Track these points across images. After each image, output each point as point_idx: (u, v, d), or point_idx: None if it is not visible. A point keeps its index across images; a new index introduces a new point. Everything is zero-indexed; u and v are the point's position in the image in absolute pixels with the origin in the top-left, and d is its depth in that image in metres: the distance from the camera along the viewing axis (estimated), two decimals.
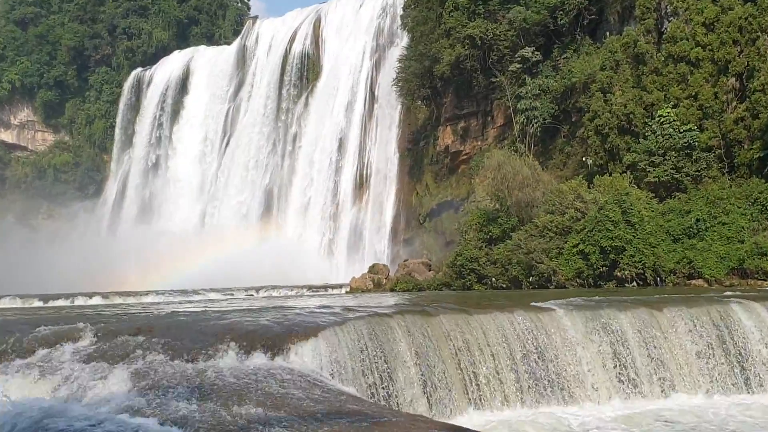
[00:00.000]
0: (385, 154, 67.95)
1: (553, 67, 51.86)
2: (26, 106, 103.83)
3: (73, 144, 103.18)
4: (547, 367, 19.48)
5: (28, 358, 16.88)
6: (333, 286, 49.97)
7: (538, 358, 19.56)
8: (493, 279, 39.10)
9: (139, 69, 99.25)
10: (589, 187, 38.76)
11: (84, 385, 15.34)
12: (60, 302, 44.95)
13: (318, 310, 22.18)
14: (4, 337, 18.06)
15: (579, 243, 35.72)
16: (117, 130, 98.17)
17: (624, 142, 41.16)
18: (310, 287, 49.85)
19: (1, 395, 15.07)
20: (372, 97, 70.58)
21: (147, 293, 48.26)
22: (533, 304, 22.08)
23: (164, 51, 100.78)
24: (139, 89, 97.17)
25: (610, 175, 39.57)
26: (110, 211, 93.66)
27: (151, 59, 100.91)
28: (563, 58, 51.47)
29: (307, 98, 77.34)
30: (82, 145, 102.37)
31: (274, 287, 50.15)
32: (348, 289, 46.83)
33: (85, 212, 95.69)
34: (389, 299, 31.89)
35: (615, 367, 20.06)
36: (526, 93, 50.80)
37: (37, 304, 44.34)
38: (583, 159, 44.92)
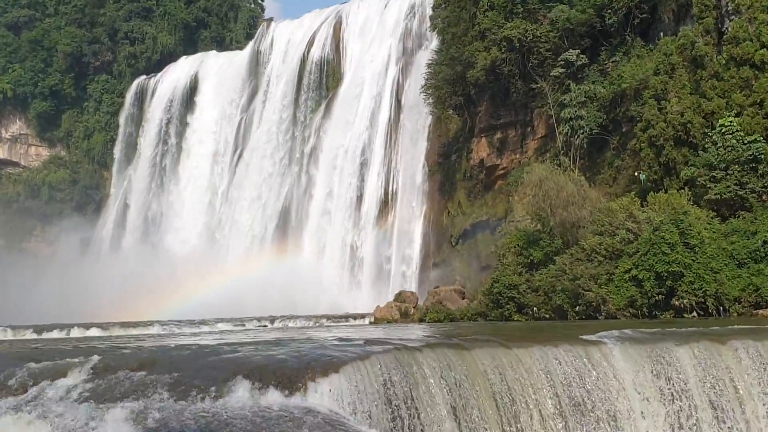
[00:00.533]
0: (413, 170, 67.93)
1: (600, 72, 51.62)
2: (19, 118, 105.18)
3: (70, 159, 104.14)
4: (597, 409, 19.24)
5: (19, 397, 16.94)
6: (355, 316, 49.91)
7: (587, 399, 19.32)
8: (535, 308, 38.82)
9: (143, 77, 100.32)
10: (642, 206, 38.43)
11: (79, 428, 15.37)
12: (55, 334, 45.29)
13: (339, 343, 22.12)
14: None
15: (631, 268, 35.36)
16: (118, 144, 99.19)
17: (681, 155, 40.79)
18: (329, 317, 49.84)
19: None
20: (398, 106, 70.75)
21: (150, 324, 48.49)
22: (581, 337, 21.87)
23: (170, 57, 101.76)
24: (142, 99, 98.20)
25: (666, 191, 39.20)
26: (111, 233, 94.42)
27: (155, 66, 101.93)
28: (612, 62, 51.22)
29: (326, 108, 77.69)
30: (80, 160, 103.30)
31: (289, 317, 50.23)
32: (372, 320, 46.73)
33: (83, 235, 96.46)
34: (418, 331, 31.75)
35: (673, 408, 19.76)
36: (571, 100, 50.60)
37: (30, 335, 44.70)
38: (636, 174, 44.54)
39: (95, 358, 19.27)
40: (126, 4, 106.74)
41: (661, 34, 48.11)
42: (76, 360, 18.77)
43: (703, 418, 19.80)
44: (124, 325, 48.97)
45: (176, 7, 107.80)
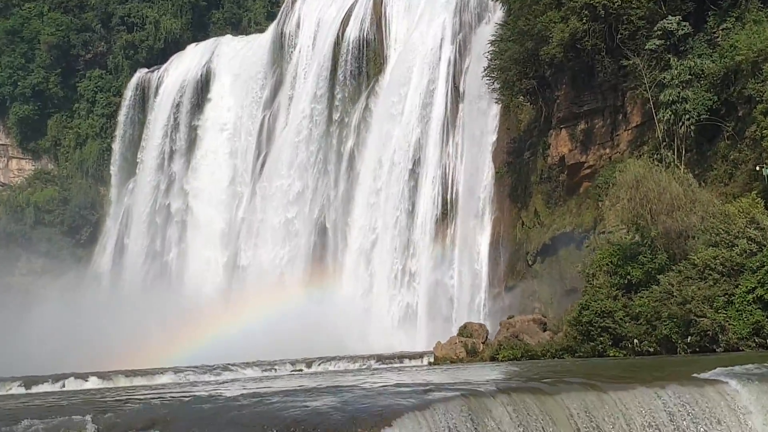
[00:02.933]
0: (477, 172, 67.85)
1: (708, 43, 51.17)
2: None
3: (59, 174, 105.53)
4: None
5: None
6: (411, 356, 50.03)
7: None
8: (636, 341, 38.64)
9: (144, 71, 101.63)
10: (767, 208, 37.99)
11: None
12: (46, 387, 45.97)
13: (391, 390, 22.21)
14: None
15: (756, 287, 35.01)
16: (116, 154, 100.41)
17: None
18: (379, 358, 49.95)
19: None
20: (456, 95, 70.78)
21: (162, 372, 49.02)
22: (694, 375, 21.69)
23: (176, 45, 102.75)
24: (144, 97, 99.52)
25: None
26: (111, 261, 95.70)
27: (158, 57, 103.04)
28: (722, 30, 50.76)
29: (367, 100, 78.04)
30: (71, 174, 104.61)
31: (330, 359, 50.45)
32: (432, 360, 46.82)
33: (78, 264, 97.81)
34: (489, 372, 31.75)
35: None
36: (672, 79, 50.23)
37: (17, 390, 45.38)
38: (757, 168, 44.04)
39: (95, 417, 19.54)
40: None
41: None
42: (74, 419, 19.06)
43: None
44: (130, 373, 49.54)
45: None
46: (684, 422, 19.52)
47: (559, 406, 19.29)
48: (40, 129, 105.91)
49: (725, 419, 19.72)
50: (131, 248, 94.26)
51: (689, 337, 36.68)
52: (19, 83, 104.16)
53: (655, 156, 48.77)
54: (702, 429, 19.46)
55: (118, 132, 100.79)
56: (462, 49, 71.95)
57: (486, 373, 30.79)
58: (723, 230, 37.75)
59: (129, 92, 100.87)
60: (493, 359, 43.89)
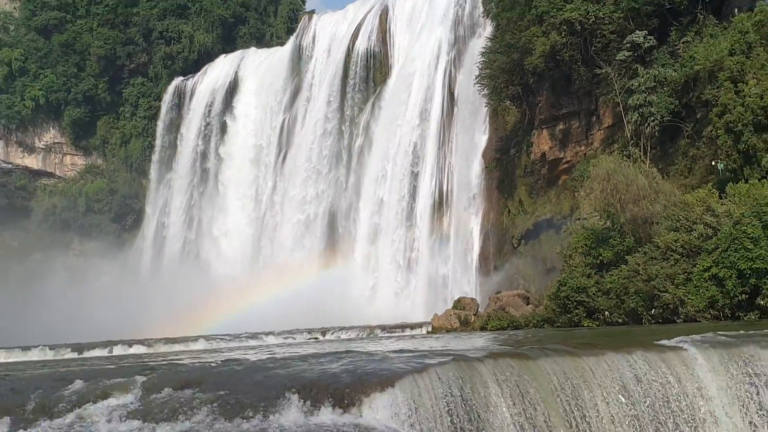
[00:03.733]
0: (469, 167, 67.77)
1: (670, 54, 51.05)
2: (52, 126, 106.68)
3: (107, 168, 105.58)
4: (677, 420, 19.05)
5: (58, 419, 17.28)
6: (411, 326, 50.03)
7: (666, 410, 19.14)
8: (606, 313, 38.64)
9: (180, 78, 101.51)
10: (720, 198, 37.91)
11: None
12: (96, 352, 46.14)
13: (394, 355, 22.19)
14: (33, 393, 18.58)
15: (711, 266, 34.93)
16: (157, 150, 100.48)
17: (762, 141, 40.11)
18: (384, 327, 49.99)
19: None
20: (451, 99, 70.64)
21: (196, 339, 49.15)
22: (658, 342, 21.67)
23: (208, 56, 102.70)
24: (180, 102, 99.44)
25: (747, 181, 38.55)
26: (152, 244, 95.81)
27: (193, 66, 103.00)
28: (683, 43, 50.62)
29: (374, 104, 77.95)
30: (117, 168, 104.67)
31: (342, 328, 50.50)
32: (429, 329, 46.84)
33: (123, 247, 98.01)
34: (479, 340, 31.76)
35: (762, 418, 19.48)
36: (639, 86, 50.11)
37: (70, 355, 45.60)
38: (713, 163, 43.95)
39: (139, 377, 19.61)
40: (160, 2, 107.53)
41: (736, 10, 47.39)
42: (120, 380, 19.11)
43: None
44: (168, 341, 49.70)
45: (213, 3, 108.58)
46: (648, 383, 19.51)
47: (539, 370, 19.29)
48: (90, 129, 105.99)
49: (684, 380, 19.71)
50: (169, 233, 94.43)
51: (653, 310, 36.67)
52: (72, 89, 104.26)
53: (624, 153, 48.78)
54: (664, 389, 19.45)
55: (158, 132, 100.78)
56: (456, 60, 71.80)
57: (476, 341, 30.82)
58: (683, 217, 37.68)
59: (167, 97, 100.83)
60: (482, 329, 43.90)
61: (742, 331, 24.31)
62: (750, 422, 19.45)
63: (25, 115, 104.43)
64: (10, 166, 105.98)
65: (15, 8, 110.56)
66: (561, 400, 18.66)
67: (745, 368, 20.17)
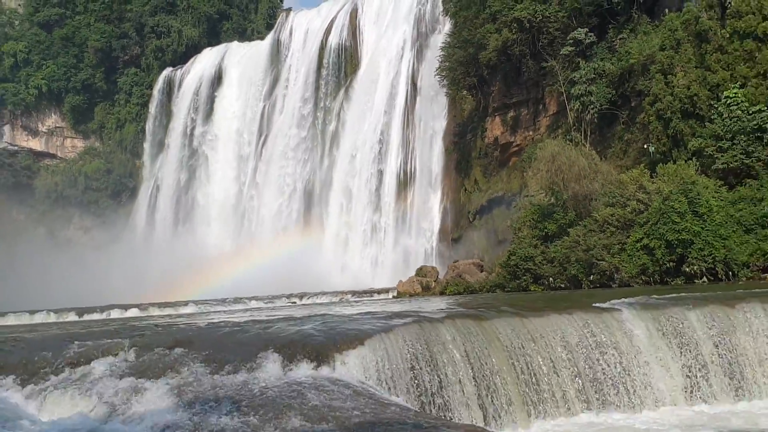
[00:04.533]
0: (430, 150, 67.79)
1: (608, 49, 51.26)
2: (54, 111, 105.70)
3: (104, 150, 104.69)
4: (612, 372, 19.30)
5: (63, 376, 17.22)
6: (379, 291, 50.17)
7: (602, 362, 19.38)
8: (551, 279, 38.91)
9: (170, 69, 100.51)
10: (651, 177, 38.30)
11: (121, 403, 15.62)
12: (95, 316, 45.90)
13: (364, 317, 22.26)
14: (39, 353, 18.48)
15: (643, 237, 35.32)
16: (148, 134, 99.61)
17: (688, 127, 40.54)
18: (354, 293, 50.08)
19: (37, 415, 15.43)
20: (414, 89, 70.49)
21: (185, 304, 48.97)
22: (595, 305, 21.89)
23: (195, 49, 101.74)
24: (170, 90, 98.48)
25: (674, 162, 38.99)
26: (144, 219, 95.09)
27: (181, 58, 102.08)
28: (619, 39, 50.84)
29: (345, 93, 77.58)
30: (113, 150, 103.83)
31: (317, 294, 50.52)
32: (395, 294, 46.97)
33: (118, 221, 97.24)
34: (439, 303, 31.88)
35: (684, 369, 19.79)
36: (581, 78, 50.31)
37: (72, 318, 45.32)
38: (645, 146, 44.32)
39: (134, 338, 19.55)
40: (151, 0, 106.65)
41: (666, 10, 47.63)
42: (117, 340, 19.06)
43: (711, 367, 19.85)
44: (161, 305, 49.49)
45: (199, 1, 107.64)
46: (586, 339, 19.74)
47: (492, 329, 19.44)
48: (88, 115, 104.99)
49: (617, 337, 19.96)
50: (160, 208, 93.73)
51: (591, 276, 37.04)
52: (71, 79, 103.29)
53: (567, 137, 49.03)
54: (599, 345, 19.69)
55: (150, 117, 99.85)
56: (419, 54, 71.53)
57: (436, 304, 30.96)
58: (618, 194, 38.04)
59: (158, 86, 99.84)
60: (442, 294, 44.10)
61: (669, 295, 24.62)
62: (672, 371, 19.78)
63: (29, 101, 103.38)
64: (16, 148, 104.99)
65: (19, 5, 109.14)
66: (510, 354, 18.85)
67: (671, 327, 20.48)
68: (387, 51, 74.48)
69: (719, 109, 38.61)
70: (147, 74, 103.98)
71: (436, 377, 17.49)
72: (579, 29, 51.84)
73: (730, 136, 37.81)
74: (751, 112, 37.63)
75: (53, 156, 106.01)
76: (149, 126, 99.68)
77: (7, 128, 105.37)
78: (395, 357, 17.49)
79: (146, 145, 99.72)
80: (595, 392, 18.92)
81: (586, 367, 19.23)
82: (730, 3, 41.54)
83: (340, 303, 43.30)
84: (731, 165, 37.62)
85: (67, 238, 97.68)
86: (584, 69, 50.43)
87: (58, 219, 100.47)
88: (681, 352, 19.99)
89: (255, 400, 15.05)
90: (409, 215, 67.43)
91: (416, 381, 17.25)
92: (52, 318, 46.11)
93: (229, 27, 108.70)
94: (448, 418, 16.70)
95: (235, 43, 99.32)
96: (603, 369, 19.29)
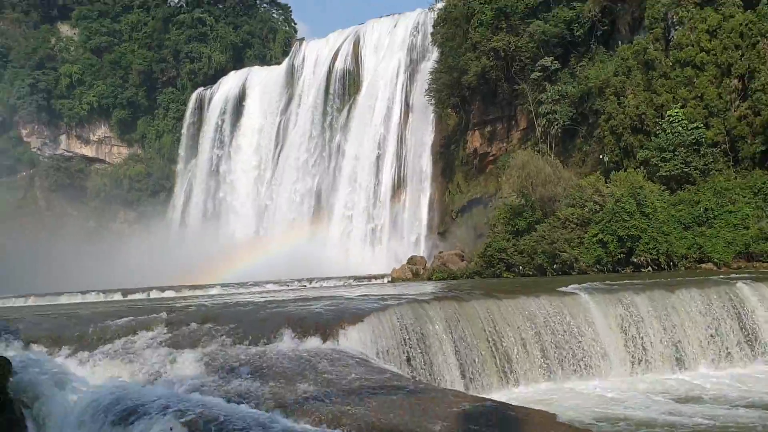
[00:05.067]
0: (420, 158, 67.75)
1: (570, 75, 51.29)
2: (103, 124, 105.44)
3: (144, 156, 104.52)
4: (571, 345, 19.38)
5: (110, 345, 17.25)
6: (376, 276, 50.09)
7: (563, 337, 19.46)
8: (521, 267, 38.93)
9: (201, 88, 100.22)
10: (606, 182, 38.34)
11: (159, 368, 15.65)
12: (137, 296, 45.87)
13: (363, 298, 22.30)
14: (89, 326, 18.50)
15: (598, 233, 35.37)
16: (182, 143, 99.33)
17: (637, 141, 40.61)
18: (355, 278, 50.00)
19: (87, 379, 15.44)
20: (407, 107, 70.40)
21: (213, 286, 48.86)
22: (557, 289, 21.97)
23: (222, 72, 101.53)
24: (201, 107, 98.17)
25: (625, 170, 39.03)
26: (179, 215, 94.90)
27: (211, 79, 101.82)
28: (580, 66, 50.86)
29: (349, 110, 77.47)
30: (152, 157, 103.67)
31: (324, 278, 50.40)
32: (389, 279, 46.91)
33: (156, 216, 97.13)
34: (426, 287, 32.00)
35: (632, 343, 19.88)
36: (547, 98, 50.35)
37: (117, 297, 45.29)
38: (600, 157, 44.38)
39: (171, 315, 19.57)
40: (186, 30, 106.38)
41: (619, 42, 47.69)
42: (156, 316, 19.09)
43: (654, 342, 19.98)
44: (192, 287, 49.42)
45: (226, 32, 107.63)
46: (550, 318, 19.81)
47: (470, 308, 19.50)
48: (132, 126, 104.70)
49: (576, 316, 20.04)
50: (192, 206, 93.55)
51: (555, 265, 37.06)
52: (118, 96, 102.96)
53: (535, 148, 48.98)
54: (561, 322, 19.76)
55: (184, 129, 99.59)
56: (411, 77, 71.42)
57: (424, 288, 31.05)
58: (578, 196, 38.06)
59: (191, 103, 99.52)
60: (429, 279, 44.05)
61: (619, 282, 24.73)
62: (622, 346, 19.88)
63: (82, 115, 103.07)
64: (71, 154, 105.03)
65: (75, 33, 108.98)
66: (485, 329, 18.91)
67: (621, 308, 20.56)
68: (384, 75, 74.38)
69: (663, 125, 38.67)
70: (182, 93, 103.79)
71: (424, 349, 17.53)
72: (546, 58, 51.86)
73: (672, 148, 37.87)
74: (689, 128, 37.70)
75: (102, 161, 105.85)
76: (183, 137, 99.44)
77: (63, 137, 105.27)
78: (390, 332, 17.54)
79: (181, 152, 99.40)
80: (558, 363, 18.99)
81: (549, 341, 19.31)
82: (673, 37, 41.64)
83: (343, 286, 43.36)
84: (673, 173, 37.69)
85: (111, 230, 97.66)
86: (550, 91, 50.46)
87: (106, 214, 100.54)
88: (629, 330, 20.07)
89: (272, 368, 15.09)
90: (401, 213, 67.43)
91: (407, 352, 17.30)
92: (101, 297, 46.04)
93: (252, 54, 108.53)
94: (434, 384, 16.75)
95: (256, 67, 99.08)
96: (563, 343, 19.36)
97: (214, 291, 46.03)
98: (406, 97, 70.90)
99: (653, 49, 41.69)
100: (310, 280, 49.75)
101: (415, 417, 11.87)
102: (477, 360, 17.92)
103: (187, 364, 15.54)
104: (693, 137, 37.46)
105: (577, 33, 50.88)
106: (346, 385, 13.71)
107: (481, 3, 56.04)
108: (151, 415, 12.10)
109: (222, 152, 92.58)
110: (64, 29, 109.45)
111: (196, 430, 11.45)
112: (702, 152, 37.64)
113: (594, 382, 18.57)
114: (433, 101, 63.18)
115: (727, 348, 20.10)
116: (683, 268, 33.41)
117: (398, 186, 68.35)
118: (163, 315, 19.06)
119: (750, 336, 20.33)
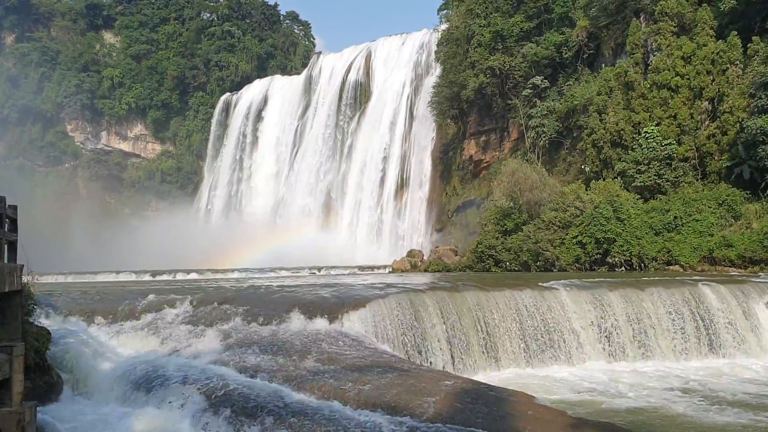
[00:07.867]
0: (421, 162, 67.74)
1: (558, 93, 51.21)
2: (140, 122, 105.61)
3: (176, 153, 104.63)
4: (550, 334, 19.36)
5: (139, 320, 17.28)
6: (378, 267, 50.18)
7: (543, 327, 19.45)
8: (507, 263, 38.94)
9: (228, 94, 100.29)
10: (586, 190, 38.31)
11: (182, 343, 15.69)
12: (165, 277, 45.96)
13: (366, 286, 22.31)
14: (121, 302, 18.53)
15: (578, 235, 35.37)
16: (210, 142, 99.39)
17: (616, 154, 40.53)
18: (360, 267, 50.04)
19: (117, 349, 15.48)
20: (411, 117, 70.36)
21: (232, 270, 48.96)
22: (540, 284, 21.95)
23: (247, 80, 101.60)
24: (227, 110, 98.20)
25: (604, 180, 39.00)
26: (204, 205, 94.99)
27: (237, 86, 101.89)
28: (567, 85, 50.79)
29: (359, 118, 77.44)
30: (183, 153, 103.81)
31: (332, 267, 50.44)
32: (390, 270, 46.94)
33: (185, 206, 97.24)
34: (423, 278, 32.02)
35: (605, 335, 19.86)
36: (536, 113, 50.30)
37: (147, 278, 45.35)
38: (582, 167, 44.30)
39: (194, 295, 19.58)
40: (216, 41, 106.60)
41: (603, 65, 47.56)
42: (181, 296, 19.11)
43: (625, 334, 19.94)
44: (214, 271, 49.50)
45: (252, 44, 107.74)
46: (532, 310, 19.79)
47: (462, 298, 19.49)
48: (165, 125, 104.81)
49: (556, 309, 20.02)
50: (217, 197, 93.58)
51: (538, 263, 37.05)
52: (153, 98, 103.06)
53: (524, 158, 49.02)
54: (542, 315, 19.74)
55: (212, 130, 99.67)
56: (416, 90, 71.36)
57: (421, 278, 31.07)
58: (560, 202, 38.03)
59: (218, 107, 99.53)
60: (426, 271, 44.09)
61: (595, 279, 24.69)
62: (596, 336, 19.86)
63: (121, 114, 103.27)
64: (110, 148, 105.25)
65: (117, 41, 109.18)
66: (474, 317, 18.90)
67: (596, 302, 20.54)
68: (392, 87, 74.29)
69: (639, 141, 38.58)
70: (211, 97, 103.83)
71: (419, 333, 17.54)
72: (536, 77, 51.77)
73: (647, 161, 37.79)
74: (663, 144, 37.63)
75: (138, 156, 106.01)
76: (211, 136, 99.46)
77: (104, 133, 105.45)
78: (389, 316, 17.55)
79: (208, 150, 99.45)
80: (538, 350, 18.98)
81: (531, 330, 19.29)
82: (651, 61, 41.52)
83: (349, 275, 43.40)
84: (647, 183, 37.62)
85: (145, 218, 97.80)
86: (539, 107, 50.38)
87: (140, 203, 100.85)
88: (603, 322, 20.04)
89: (283, 345, 15.12)
90: (403, 211, 67.42)
91: (404, 335, 17.31)
92: (132, 277, 46.11)
93: (274, 64, 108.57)
94: (427, 364, 16.76)
95: (278, 76, 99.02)
96: (544, 332, 19.35)
97: (233, 275, 46.02)
98: (411, 107, 70.86)
99: (633, 72, 41.58)
100: (319, 269, 49.77)
101: (409, 393, 11.91)
102: (466, 345, 17.93)
103: (207, 340, 15.58)
104: (666, 152, 37.39)
105: (566, 55, 50.78)
106: (348, 363, 13.74)
107: (480, 26, 55.99)
108: (171, 382, 12.15)
109: (244, 151, 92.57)
110: (108, 37, 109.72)
111: (213, 398, 11.49)
112: (673, 166, 37.57)
113: (571, 369, 18.56)
114: (434, 112, 63.15)
115: (688, 342, 20.08)
116: (653, 269, 33.38)
117: (401, 186, 68.34)
118: (188, 295, 19.09)
119: (709, 332, 20.30)
